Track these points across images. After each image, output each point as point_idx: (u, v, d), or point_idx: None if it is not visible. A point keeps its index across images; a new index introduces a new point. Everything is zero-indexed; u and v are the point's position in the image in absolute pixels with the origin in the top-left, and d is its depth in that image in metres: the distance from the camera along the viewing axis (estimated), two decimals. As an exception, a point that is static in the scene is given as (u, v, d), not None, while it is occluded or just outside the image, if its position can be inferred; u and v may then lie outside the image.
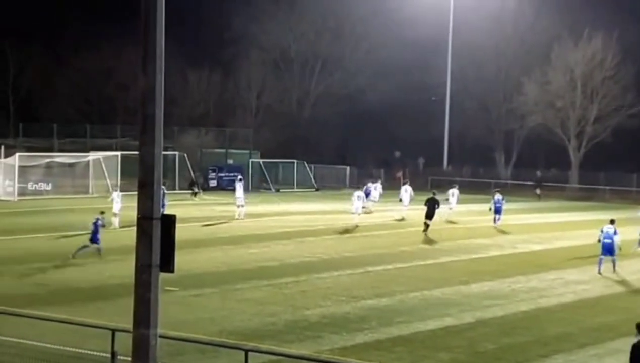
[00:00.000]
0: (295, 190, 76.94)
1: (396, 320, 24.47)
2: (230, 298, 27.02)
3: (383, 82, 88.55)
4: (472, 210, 60.95)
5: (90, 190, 64.16)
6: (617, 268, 33.94)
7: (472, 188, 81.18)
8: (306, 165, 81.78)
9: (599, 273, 33.39)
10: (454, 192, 55.61)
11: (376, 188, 60.01)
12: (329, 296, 27.68)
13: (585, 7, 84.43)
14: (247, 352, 16.20)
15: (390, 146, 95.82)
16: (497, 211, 50.00)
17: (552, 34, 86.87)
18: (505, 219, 52.79)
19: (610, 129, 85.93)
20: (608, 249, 33.62)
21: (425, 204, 46.92)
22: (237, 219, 49.24)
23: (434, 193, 49.26)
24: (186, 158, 72.56)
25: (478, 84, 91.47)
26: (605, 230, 34.17)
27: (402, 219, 53.01)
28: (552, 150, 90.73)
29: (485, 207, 52.51)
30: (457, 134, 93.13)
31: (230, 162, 79.09)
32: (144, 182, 13.82)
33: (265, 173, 78.82)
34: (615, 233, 33.90)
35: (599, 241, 34.35)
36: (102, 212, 34.81)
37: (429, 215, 46.28)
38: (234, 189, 52.80)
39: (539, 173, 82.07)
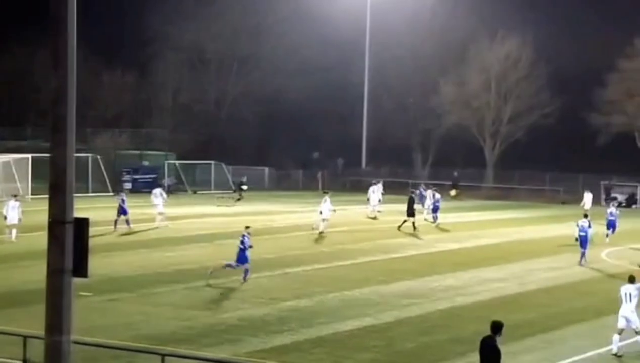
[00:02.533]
0: (212, 191, 76.41)
1: (315, 321, 24.41)
2: (147, 303, 26.66)
3: (302, 81, 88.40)
4: (391, 210, 61.29)
5: (-1, 193, 62.82)
6: (582, 261, 36.23)
7: (391, 188, 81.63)
8: (224, 166, 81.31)
9: (580, 264, 36.02)
10: (374, 189, 57.21)
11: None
12: (248, 298, 27.52)
13: (500, 8, 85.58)
14: (163, 356, 16.01)
15: (309, 147, 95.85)
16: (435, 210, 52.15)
17: (468, 34, 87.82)
18: (421, 218, 53.25)
19: (525, 129, 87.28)
20: (582, 242, 36.16)
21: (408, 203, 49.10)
22: (159, 226, 47.28)
23: (412, 193, 51.69)
24: (100, 160, 71.51)
25: (396, 83, 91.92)
26: (580, 224, 36.63)
27: (375, 218, 53.67)
28: (468, 150, 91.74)
29: (403, 207, 52.79)
30: (375, 134, 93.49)
31: (146, 163, 78.24)
32: (55, 184, 13.52)
33: (182, 174, 78.12)
34: (589, 226, 36.50)
35: (577, 239, 36.64)
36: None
37: (410, 213, 48.07)
38: (149, 192, 52.02)
39: (455, 173, 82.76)
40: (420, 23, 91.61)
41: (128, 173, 74.12)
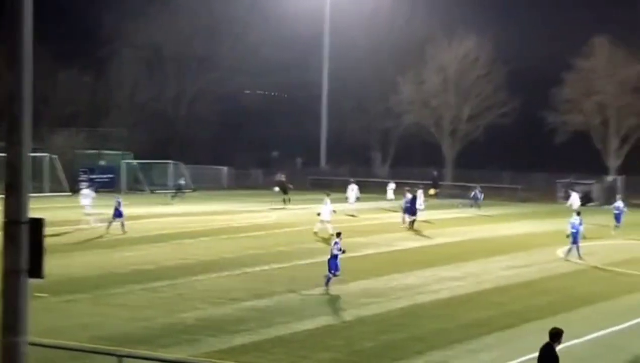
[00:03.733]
0: (170, 191, 76.00)
1: (275, 321, 24.34)
2: (104, 304, 26.45)
3: (261, 81, 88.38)
4: (350, 209, 61.35)
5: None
6: (569, 255, 37.29)
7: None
8: (182, 165, 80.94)
9: (580, 258, 37.06)
10: (353, 188, 58.41)
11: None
12: (206, 298, 27.38)
13: (458, 7, 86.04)
14: (120, 357, 15.85)
15: (268, 146, 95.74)
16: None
17: (426, 33, 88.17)
18: (381, 217, 53.49)
19: (483, 128, 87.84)
20: (574, 238, 37.32)
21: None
22: (87, 226, 46.04)
23: (414, 191, 51.70)
24: (56, 160, 70.87)
25: (355, 82, 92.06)
26: (571, 221, 37.79)
27: (353, 216, 53.75)
28: (427, 149, 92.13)
29: (359, 206, 52.95)
30: (334, 133, 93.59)
31: (103, 163, 77.66)
32: (10, 184, 13.39)
33: (140, 174, 77.66)
34: (580, 223, 37.62)
35: (568, 236, 37.63)
36: None
37: (412, 212, 48.66)
38: (107, 191, 51.67)
39: (435, 172, 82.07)
40: (378, 23, 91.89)
41: (85, 173, 73.52)
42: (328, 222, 44.05)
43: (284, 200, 62.56)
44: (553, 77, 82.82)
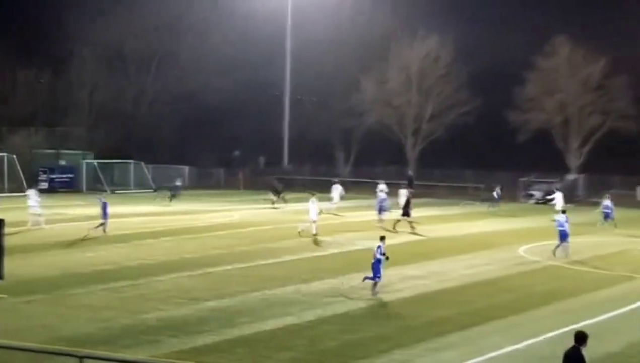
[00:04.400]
0: (131, 191, 75.54)
1: (237, 321, 24.19)
2: (64, 304, 26.14)
3: (222, 79, 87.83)
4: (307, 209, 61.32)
5: None
6: (560, 252, 37.62)
7: (312, 186, 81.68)
8: (143, 165, 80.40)
9: (554, 255, 37.51)
10: (337, 187, 59.10)
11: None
12: (168, 299, 27.15)
13: (420, 7, 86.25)
14: (81, 358, 15.64)
15: (230, 145, 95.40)
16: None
17: (389, 32, 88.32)
18: (344, 217, 53.45)
19: (445, 127, 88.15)
20: (562, 236, 37.82)
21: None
22: (33, 228, 45.06)
23: (411, 193, 51.62)
24: (15, 159, 70.13)
25: (318, 81, 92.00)
26: (557, 219, 38.65)
27: (337, 215, 53.56)
28: (390, 148, 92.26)
29: (322, 205, 52.82)
30: (297, 132, 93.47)
31: (63, 163, 76.96)
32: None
33: (100, 174, 77.07)
34: (566, 221, 38.14)
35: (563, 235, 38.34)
36: None
37: (405, 213, 48.17)
38: (67, 191, 51.14)
39: (410, 172, 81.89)
40: (341, 21, 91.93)
41: (45, 172, 72.87)
42: (314, 222, 43.72)
43: (273, 201, 62.20)
44: (515, 76, 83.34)
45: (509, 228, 50.19)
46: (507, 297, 28.75)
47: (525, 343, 22.31)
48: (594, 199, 70.55)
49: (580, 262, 36.97)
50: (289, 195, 63.99)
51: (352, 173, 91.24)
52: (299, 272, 32.81)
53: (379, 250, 28.62)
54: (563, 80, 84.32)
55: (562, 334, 23.54)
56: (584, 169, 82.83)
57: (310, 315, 25.18)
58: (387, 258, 28.75)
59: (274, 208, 60.43)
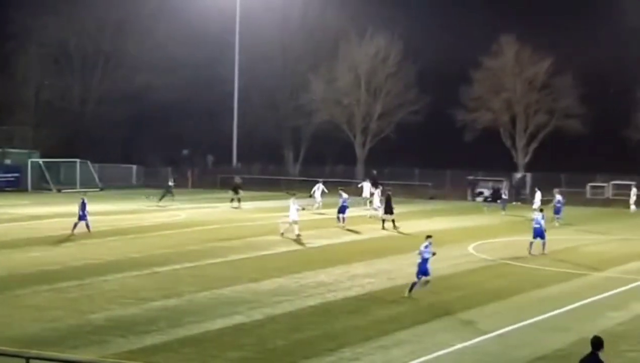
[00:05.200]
0: (78, 190, 74.70)
1: (185, 321, 24.01)
2: (9, 305, 25.77)
3: (170, 77, 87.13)
4: (261, 207, 61.24)
5: None
6: (534, 249, 38.56)
7: (262, 185, 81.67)
8: (90, 164, 79.60)
9: (530, 254, 38.24)
10: (319, 186, 59.70)
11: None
12: (115, 299, 26.88)
13: (369, 5, 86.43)
14: (27, 359, 15.42)
15: (178, 144, 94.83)
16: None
17: (338, 30, 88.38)
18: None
19: (394, 125, 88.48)
20: (538, 233, 38.78)
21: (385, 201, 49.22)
22: None
23: (389, 191, 51.42)
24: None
25: (266, 80, 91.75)
26: (534, 217, 39.63)
27: (321, 213, 53.49)
28: (339, 147, 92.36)
29: (271, 204, 52.76)
30: (246, 131, 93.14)
31: (8, 162, 75.93)
32: None
33: (46, 173, 76.14)
34: (542, 218, 39.37)
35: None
36: None
37: (389, 210, 48.28)
38: (12, 190, 50.44)
39: (374, 171, 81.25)
40: (290, 20, 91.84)
41: (-10, 171, 71.93)
42: (296, 223, 43.38)
43: (232, 200, 61.73)
44: (462, 75, 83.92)
45: (458, 226, 50.46)
46: (456, 295, 28.86)
47: (474, 340, 22.41)
48: (544, 198, 71.36)
49: (529, 259, 37.27)
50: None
51: (301, 172, 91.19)
52: (247, 271, 32.69)
53: (427, 250, 28.29)
54: (509, 79, 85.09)
55: (511, 331, 23.72)
56: (531, 167, 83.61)
57: (259, 314, 25.08)
58: (433, 254, 28.46)
59: (235, 208, 60.08)
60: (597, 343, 14.95)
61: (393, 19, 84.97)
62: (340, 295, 28.41)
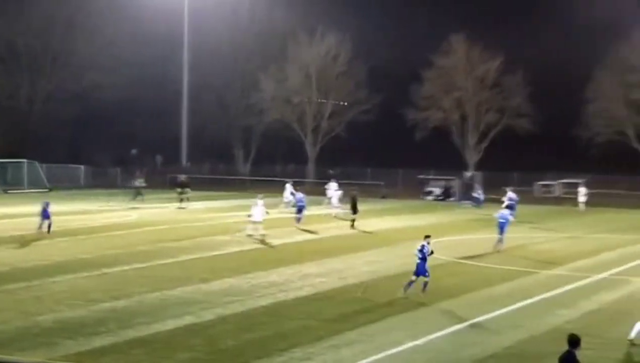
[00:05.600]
0: (25, 191, 73.79)
1: (135, 322, 23.77)
2: (-45, 307, 25.34)
3: (119, 77, 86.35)
4: (212, 207, 60.95)
5: None
6: (500, 245, 39.46)
7: (212, 184, 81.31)
8: (37, 164, 78.64)
9: (497, 250, 39.07)
10: (289, 187, 59.74)
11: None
12: (63, 300, 26.54)
13: (318, 5, 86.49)
14: (-27, 362, 15.16)
15: (127, 143, 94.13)
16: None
17: (288, 30, 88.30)
18: (243, 215, 53.05)
19: (345, 124, 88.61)
20: (501, 227, 39.72)
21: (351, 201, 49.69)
22: None
23: (355, 191, 51.65)
24: None
25: (217, 79, 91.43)
26: (500, 213, 40.58)
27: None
28: (290, 146, 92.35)
29: (221, 204, 52.49)
30: (196, 131, 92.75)
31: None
32: None
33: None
34: (510, 214, 41.22)
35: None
36: None
37: (353, 210, 48.81)
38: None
39: (332, 171, 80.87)
40: (239, 19, 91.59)
41: None
42: (260, 223, 43.03)
43: (181, 200, 61.09)
44: (413, 74, 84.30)
45: (409, 225, 50.59)
46: (407, 293, 28.85)
47: (425, 338, 22.43)
48: (492, 196, 71.88)
49: (479, 258, 37.47)
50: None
51: (252, 171, 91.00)
52: (198, 271, 32.46)
53: (425, 249, 28.15)
54: (460, 78, 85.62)
55: (462, 329, 23.81)
56: (481, 165, 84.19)
57: (209, 315, 24.91)
58: (431, 252, 28.41)
59: (181, 208, 59.62)
60: (573, 341, 14.98)
61: (343, 18, 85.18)
62: (291, 295, 28.32)
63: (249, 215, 43.78)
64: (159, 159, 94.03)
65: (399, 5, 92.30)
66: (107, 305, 26.06)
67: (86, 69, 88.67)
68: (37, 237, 41.19)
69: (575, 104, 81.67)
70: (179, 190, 61.65)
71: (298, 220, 49.22)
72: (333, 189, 60.25)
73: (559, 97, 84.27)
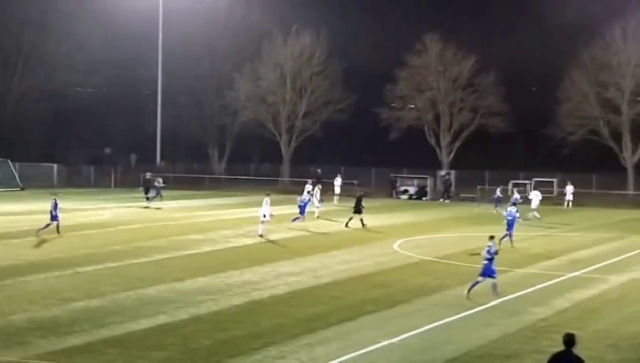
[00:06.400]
0: (-1, 190, 73.37)
1: (108, 321, 23.65)
2: None
3: (93, 77, 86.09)
4: (186, 206, 60.82)
5: None
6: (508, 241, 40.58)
7: (186, 184, 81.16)
8: (10, 163, 78.10)
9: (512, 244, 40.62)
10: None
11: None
12: (36, 300, 26.37)
13: (294, 5, 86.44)
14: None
15: (101, 143, 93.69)
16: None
17: (263, 29, 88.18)
18: (217, 214, 53.09)
19: (320, 124, 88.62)
20: (510, 225, 41.02)
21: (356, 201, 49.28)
22: None
23: (361, 191, 52.21)
24: None
25: (191, 79, 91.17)
26: (508, 210, 41.82)
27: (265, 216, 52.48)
28: (264, 145, 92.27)
29: (196, 203, 52.40)
30: (170, 130, 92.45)
31: None
32: None
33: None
34: (516, 211, 41.96)
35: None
36: None
37: (357, 210, 48.54)
38: None
39: (318, 170, 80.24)
40: (214, 18, 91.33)
41: None
42: (268, 221, 42.97)
43: (149, 199, 60.63)
44: (387, 74, 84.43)
45: (383, 224, 50.68)
46: (381, 292, 28.94)
47: (399, 337, 22.46)
48: (466, 195, 72.21)
49: (452, 257, 37.56)
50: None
51: (227, 170, 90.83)
52: (171, 270, 32.36)
53: (492, 249, 28.05)
54: (434, 77, 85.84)
55: (436, 327, 23.86)
56: (455, 165, 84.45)
57: (183, 314, 24.84)
58: (496, 253, 28.33)
59: (146, 207, 59.39)
60: (570, 341, 14.98)
61: (318, 18, 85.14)
62: (266, 293, 28.29)
63: (264, 216, 43.35)
64: (133, 158, 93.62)
65: (374, 5, 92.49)
66: (80, 304, 25.92)
67: (59, 69, 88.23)
68: (9, 236, 40.92)
69: (549, 103, 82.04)
70: (141, 188, 61.13)
71: (298, 219, 49.21)
72: (337, 184, 60.04)
73: (533, 96, 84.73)
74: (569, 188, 67.12)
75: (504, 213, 42.56)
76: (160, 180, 63.03)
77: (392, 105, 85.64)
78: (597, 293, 29.65)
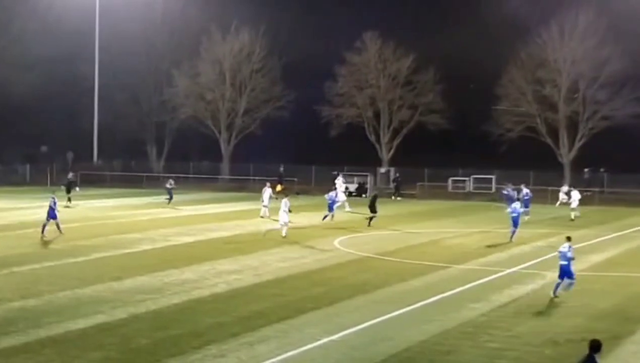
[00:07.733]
0: None
1: (45, 321, 23.32)
2: None
3: (27, 74, 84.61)
4: (124, 205, 60.27)
5: None
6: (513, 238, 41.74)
7: (124, 182, 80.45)
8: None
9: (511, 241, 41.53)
10: (266, 190, 55.91)
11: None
12: (-30, 300, 25.92)
13: (232, 1, 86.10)
14: None
15: (36, 141, 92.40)
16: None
17: (202, 26, 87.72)
18: (155, 213, 52.70)
19: (259, 121, 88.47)
20: (515, 221, 41.88)
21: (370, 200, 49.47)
22: None
23: (376, 192, 52.98)
24: None
25: (128, 75, 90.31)
26: (512, 207, 42.74)
27: (262, 217, 51.73)
28: (204, 143, 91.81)
29: (134, 201, 51.91)
30: (107, 127, 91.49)
31: None
32: None
33: None
34: (520, 207, 43.22)
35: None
36: None
37: (373, 209, 48.42)
38: None
39: (281, 168, 79.21)
40: (152, 15, 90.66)
41: None
42: (286, 223, 42.48)
43: (69, 199, 59.51)
44: (327, 71, 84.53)
45: (324, 222, 50.64)
46: (321, 289, 28.92)
47: (339, 334, 22.46)
48: (406, 192, 72.60)
49: (392, 253, 37.68)
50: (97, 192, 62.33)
51: (165, 168, 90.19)
52: (109, 269, 32.01)
53: (570, 251, 27.74)
54: (373, 75, 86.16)
55: (376, 324, 23.90)
56: (395, 161, 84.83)
57: (122, 313, 24.58)
58: (572, 258, 27.86)
59: (67, 206, 58.32)
60: (595, 346, 15.03)
61: (258, 15, 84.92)
62: (206, 292, 28.11)
63: (288, 212, 42.92)
64: (70, 156, 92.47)
65: (314, 2, 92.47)
66: (16, 304, 25.54)
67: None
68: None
69: (486, 100, 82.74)
70: (63, 187, 59.86)
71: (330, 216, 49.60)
72: (339, 184, 59.67)
73: (471, 93, 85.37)
74: (575, 195, 60.81)
75: (508, 210, 43.24)
76: (172, 181, 61.40)
77: (333, 102, 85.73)
78: (535, 288, 29.92)
